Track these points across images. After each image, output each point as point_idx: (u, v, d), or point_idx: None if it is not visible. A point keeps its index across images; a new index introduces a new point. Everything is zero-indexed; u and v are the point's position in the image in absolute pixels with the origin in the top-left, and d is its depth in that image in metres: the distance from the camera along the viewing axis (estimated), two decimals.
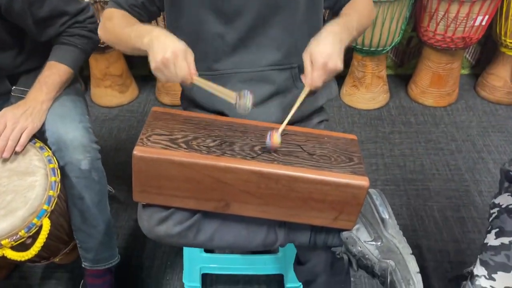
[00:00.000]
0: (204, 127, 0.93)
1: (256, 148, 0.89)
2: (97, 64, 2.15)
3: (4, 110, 1.13)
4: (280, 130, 0.89)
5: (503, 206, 1.00)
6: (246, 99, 0.86)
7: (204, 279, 1.48)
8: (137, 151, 0.83)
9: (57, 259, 1.38)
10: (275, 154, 0.88)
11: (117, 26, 0.98)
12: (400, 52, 2.43)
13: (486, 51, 2.36)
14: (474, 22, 1.92)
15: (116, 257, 1.35)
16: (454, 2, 1.87)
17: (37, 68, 1.24)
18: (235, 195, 0.87)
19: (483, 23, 1.94)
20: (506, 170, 1.09)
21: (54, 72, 1.18)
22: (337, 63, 0.88)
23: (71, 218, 1.25)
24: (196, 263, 1.41)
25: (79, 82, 1.38)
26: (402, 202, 1.76)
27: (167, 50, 0.84)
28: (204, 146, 0.87)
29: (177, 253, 1.58)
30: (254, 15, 0.98)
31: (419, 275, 0.85)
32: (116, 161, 1.94)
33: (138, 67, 2.46)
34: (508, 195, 1.03)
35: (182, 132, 0.90)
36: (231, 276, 1.50)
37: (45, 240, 1.09)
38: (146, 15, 1.05)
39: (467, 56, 2.43)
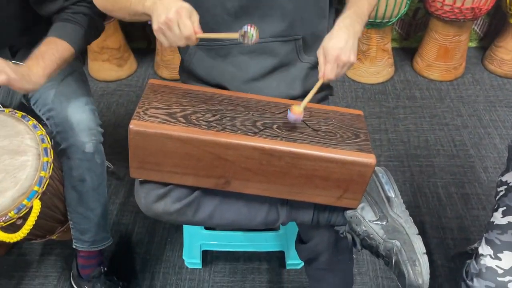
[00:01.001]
0: (203, 101, 0.89)
1: (258, 124, 0.85)
2: None
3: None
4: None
5: (511, 184, 0.97)
6: (250, 37, 0.81)
7: (204, 256, 1.47)
8: (134, 125, 0.79)
9: (55, 237, 1.36)
10: (278, 130, 0.84)
11: None
12: (406, 24, 2.36)
13: (495, 23, 2.28)
14: None
15: (109, 239, 1.33)
16: None
17: (37, 42, 1.19)
18: (236, 172, 0.83)
19: None
20: None
21: (52, 48, 1.07)
22: (350, 56, 0.86)
23: (67, 200, 1.22)
24: (196, 240, 1.39)
25: (81, 60, 1.32)
26: (405, 178, 1.73)
27: (171, 10, 0.79)
28: (203, 121, 0.83)
29: (177, 229, 1.56)
30: None
31: (426, 256, 0.82)
32: (115, 136, 1.90)
33: (136, 40, 2.40)
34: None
35: (180, 106, 0.86)
36: (231, 253, 1.49)
37: (35, 221, 1.06)
38: None
39: (475, 28, 2.35)
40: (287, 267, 1.45)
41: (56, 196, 1.19)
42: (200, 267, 1.46)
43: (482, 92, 2.13)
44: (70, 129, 1.11)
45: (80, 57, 1.29)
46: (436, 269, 1.46)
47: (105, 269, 1.35)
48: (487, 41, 2.34)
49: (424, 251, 0.83)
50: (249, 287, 1.41)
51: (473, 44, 2.41)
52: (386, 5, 1.90)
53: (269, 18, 0.98)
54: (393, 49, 2.31)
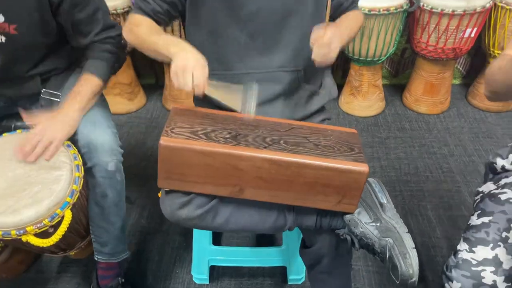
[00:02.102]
0: (220, 122, 1.04)
1: (268, 139, 0.99)
2: None
3: (42, 119, 1.19)
4: None
5: (485, 192, 1.11)
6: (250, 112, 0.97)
7: (211, 272, 1.57)
8: (163, 141, 0.94)
9: (73, 253, 1.46)
10: (285, 144, 0.98)
11: (144, 33, 1.09)
12: (395, 63, 2.56)
13: (476, 62, 2.49)
14: (464, 34, 2.06)
15: (127, 252, 1.44)
16: (444, 16, 2.00)
17: (64, 70, 1.35)
18: (249, 180, 0.97)
19: (472, 35, 2.08)
20: (489, 162, 1.21)
21: (88, 84, 1.25)
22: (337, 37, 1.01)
23: (91, 214, 1.33)
24: (204, 255, 1.50)
25: (102, 93, 1.49)
26: (397, 202, 1.87)
27: (190, 60, 0.95)
28: (221, 137, 0.97)
29: (185, 248, 1.67)
30: (267, 20, 1.09)
31: (415, 250, 0.96)
32: (126, 164, 2.03)
33: (146, 76, 2.58)
34: (491, 183, 1.14)
35: (201, 126, 1.00)
36: (236, 269, 1.59)
37: (65, 230, 1.18)
38: (168, 19, 1.16)
39: (459, 67, 2.56)
40: (289, 282, 1.56)
41: (82, 211, 1.31)
42: (208, 282, 1.56)
43: (467, 124, 2.30)
44: (94, 150, 1.24)
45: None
46: (427, 283, 1.57)
47: (123, 280, 1.45)
48: (469, 79, 2.54)
49: (413, 246, 0.96)
50: None
51: (457, 82, 2.61)
52: (376, 45, 2.10)
53: (276, 51, 1.15)
54: (384, 85, 2.50)
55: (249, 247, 1.58)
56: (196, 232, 1.47)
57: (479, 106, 2.39)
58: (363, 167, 0.95)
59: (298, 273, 1.53)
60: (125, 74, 2.32)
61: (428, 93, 2.33)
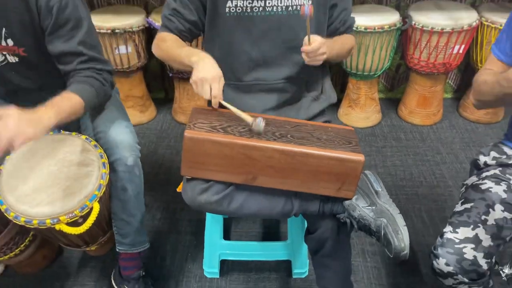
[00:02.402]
0: (234, 119, 1.18)
1: (277, 134, 1.14)
2: (121, 86, 2.42)
3: (13, 110, 1.08)
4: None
5: (469, 184, 1.26)
6: (259, 126, 1.11)
7: (221, 267, 1.69)
8: (188, 133, 1.08)
9: (94, 248, 1.59)
10: (291, 138, 1.13)
11: (170, 47, 1.26)
12: (390, 78, 2.73)
13: (466, 77, 2.66)
14: (452, 50, 2.23)
15: (147, 243, 1.57)
16: (434, 33, 2.18)
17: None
18: (260, 169, 1.11)
19: (460, 51, 2.25)
20: (474, 159, 1.36)
21: (66, 100, 1.22)
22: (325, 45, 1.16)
23: (113, 208, 1.46)
24: (216, 249, 1.62)
25: (118, 95, 1.63)
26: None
27: (209, 72, 1.11)
28: (236, 131, 1.12)
29: (196, 246, 1.80)
30: (275, 38, 1.27)
31: (406, 228, 1.09)
32: None
33: (156, 91, 2.74)
34: (474, 176, 1.28)
35: (218, 122, 1.15)
36: (244, 263, 1.72)
37: (94, 220, 1.31)
38: (190, 37, 1.33)
39: (450, 82, 2.73)
40: (294, 276, 1.68)
41: (105, 206, 1.44)
42: (218, 276, 1.68)
43: (458, 135, 2.45)
44: (115, 146, 1.37)
45: (117, 95, 1.60)
46: (422, 276, 1.69)
47: (143, 273, 1.57)
48: (460, 93, 2.71)
49: (404, 224, 1.10)
50: None
51: (449, 96, 2.77)
52: (372, 60, 2.27)
53: (283, 65, 1.31)
54: (380, 98, 2.66)
55: (256, 241, 1.71)
56: (208, 228, 1.60)
57: (470, 118, 2.55)
58: (360, 157, 1.10)
59: (302, 266, 1.65)
60: (138, 89, 2.48)
61: (422, 106, 2.48)
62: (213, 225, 1.58)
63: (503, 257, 1.69)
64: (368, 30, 2.16)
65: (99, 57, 1.35)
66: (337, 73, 2.65)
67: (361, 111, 2.49)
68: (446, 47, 2.21)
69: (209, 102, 1.17)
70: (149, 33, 2.31)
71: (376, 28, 2.15)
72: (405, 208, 1.98)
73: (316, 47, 1.13)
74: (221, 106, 1.16)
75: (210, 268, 1.66)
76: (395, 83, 2.75)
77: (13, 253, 1.54)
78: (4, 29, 1.26)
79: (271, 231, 1.87)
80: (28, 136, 1.06)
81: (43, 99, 1.28)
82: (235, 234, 1.85)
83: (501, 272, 1.65)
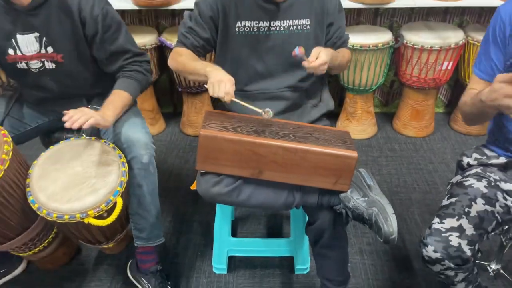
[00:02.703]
0: (243, 121, 1.34)
1: (280, 133, 1.30)
2: None
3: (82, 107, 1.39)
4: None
5: (454, 182, 1.41)
6: (269, 114, 1.30)
7: (228, 264, 1.82)
8: (203, 131, 1.24)
9: (111, 245, 1.73)
10: (293, 137, 1.29)
11: (186, 60, 1.44)
12: (385, 94, 2.91)
13: (456, 92, 2.83)
14: (442, 66, 2.41)
15: (162, 237, 1.70)
16: (424, 51, 2.36)
17: (105, 93, 1.66)
18: (266, 164, 1.27)
19: (449, 67, 2.43)
20: (458, 161, 1.51)
21: (118, 96, 1.54)
22: (327, 55, 1.32)
23: (130, 204, 1.60)
24: (224, 246, 1.76)
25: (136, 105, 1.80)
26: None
27: (222, 76, 1.29)
28: (245, 131, 1.28)
29: (205, 246, 1.93)
30: (279, 53, 1.45)
31: (394, 215, 1.24)
32: None
33: (165, 105, 2.91)
34: (459, 175, 1.43)
35: (229, 123, 1.31)
36: (250, 260, 1.85)
37: (118, 213, 1.45)
38: (203, 52, 1.51)
39: (441, 97, 2.90)
40: (296, 272, 1.81)
41: (124, 204, 1.58)
42: (226, 272, 1.81)
43: (449, 146, 2.61)
44: (132, 145, 1.52)
45: (135, 101, 1.77)
46: (415, 271, 1.82)
47: (160, 267, 1.70)
48: (451, 107, 2.88)
49: (393, 212, 1.25)
50: (266, 284, 1.76)
51: (440, 110, 2.94)
52: (367, 76, 2.45)
53: (285, 76, 1.48)
54: (376, 113, 2.83)
55: (262, 238, 1.84)
56: (217, 225, 1.74)
57: (460, 130, 2.71)
58: (353, 153, 1.25)
59: (304, 263, 1.78)
60: (148, 102, 2.65)
61: (415, 119, 2.65)
62: (222, 223, 1.72)
63: (490, 254, 1.83)
64: (363, 48, 2.34)
65: (139, 52, 1.58)
66: (335, 88, 2.82)
67: (358, 124, 2.66)
68: (435, 64, 2.39)
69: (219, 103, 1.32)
70: (160, 51, 2.50)
71: (371, 46, 2.34)
72: (399, 211, 2.12)
73: (319, 62, 1.30)
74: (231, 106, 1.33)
75: (219, 264, 1.79)
76: (389, 98, 2.92)
77: (37, 248, 1.67)
78: (45, 37, 1.44)
79: (275, 230, 2.01)
80: (97, 119, 1.35)
81: (73, 105, 1.47)
82: (242, 233, 1.99)
83: (488, 267, 1.78)
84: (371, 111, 2.67)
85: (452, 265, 1.23)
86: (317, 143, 1.27)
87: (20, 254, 1.66)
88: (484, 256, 1.85)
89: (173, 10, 2.56)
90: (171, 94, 2.89)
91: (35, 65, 1.52)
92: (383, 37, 2.40)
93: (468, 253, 1.22)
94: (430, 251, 1.23)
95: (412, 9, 2.61)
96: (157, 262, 1.71)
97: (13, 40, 1.47)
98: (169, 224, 2.06)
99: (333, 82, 2.78)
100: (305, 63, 1.30)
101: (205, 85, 1.32)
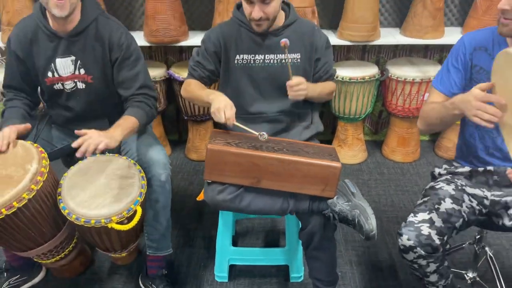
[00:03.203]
0: (243, 138, 1.57)
1: (275, 148, 1.52)
2: None
3: (92, 130, 1.53)
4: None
5: (427, 187, 1.62)
6: (264, 136, 1.52)
7: (229, 273, 2.00)
8: (210, 146, 1.46)
9: (124, 254, 1.92)
10: (287, 151, 1.51)
11: (194, 89, 1.69)
12: (375, 123, 3.15)
13: None
14: (423, 97, 2.66)
15: (170, 249, 1.89)
16: (407, 83, 2.62)
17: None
18: (264, 174, 1.48)
19: None
20: (431, 172, 1.73)
21: (128, 120, 1.65)
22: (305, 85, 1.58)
23: (146, 216, 1.79)
24: (226, 255, 1.94)
25: (151, 127, 2.02)
26: (376, 224, 2.33)
27: (223, 103, 1.52)
28: (245, 146, 1.50)
29: (208, 258, 2.11)
30: (272, 83, 1.70)
31: (373, 215, 1.45)
32: None
33: (171, 133, 3.15)
34: (432, 183, 1.65)
35: (231, 139, 1.54)
36: (249, 270, 2.03)
37: (138, 220, 1.64)
38: (209, 82, 1.76)
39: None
40: (291, 280, 1.98)
41: (142, 212, 1.78)
42: (227, 280, 1.99)
43: None
44: (152, 165, 1.73)
45: (151, 128, 1.99)
46: (400, 281, 2.00)
47: (166, 272, 1.88)
48: (435, 135, 3.11)
49: (372, 212, 1.45)
50: None
51: (426, 138, 3.17)
52: (356, 105, 2.69)
53: (278, 102, 1.72)
54: (366, 140, 3.07)
55: (259, 248, 2.02)
56: (219, 236, 1.93)
57: (444, 156, 2.94)
58: (338, 164, 1.47)
59: (298, 271, 1.96)
60: (156, 130, 2.88)
61: (401, 145, 2.88)
62: (224, 234, 1.91)
63: (466, 264, 2.01)
64: (352, 80, 2.60)
65: (150, 85, 1.78)
66: (328, 116, 3.07)
67: (349, 150, 2.88)
68: (417, 95, 2.64)
69: (223, 126, 1.56)
70: (169, 83, 2.76)
71: (359, 78, 2.59)
72: (386, 228, 2.31)
73: (296, 82, 1.55)
74: (233, 128, 1.56)
75: (221, 273, 1.97)
76: (378, 127, 3.16)
77: (59, 256, 1.85)
78: (79, 61, 1.69)
79: (272, 241, 2.20)
80: (106, 143, 1.47)
81: (96, 127, 1.67)
82: (242, 242, 2.18)
83: (465, 276, 1.96)
84: (361, 138, 2.90)
85: (423, 253, 1.42)
86: (306, 156, 1.49)
87: (44, 261, 1.84)
88: (461, 266, 2.03)
89: (181, 47, 2.84)
90: (177, 123, 3.13)
91: (69, 85, 1.75)
92: (370, 71, 2.66)
93: (437, 241, 1.42)
94: (404, 240, 1.43)
95: (396, 46, 2.89)
96: (162, 267, 1.88)
97: (52, 64, 1.70)
98: (175, 238, 2.25)
99: (326, 111, 3.03)
100: (288, 82, 1.58)
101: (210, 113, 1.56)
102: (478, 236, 1.89)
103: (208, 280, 2.00)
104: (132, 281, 1.98)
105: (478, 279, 1.93)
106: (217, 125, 2.87)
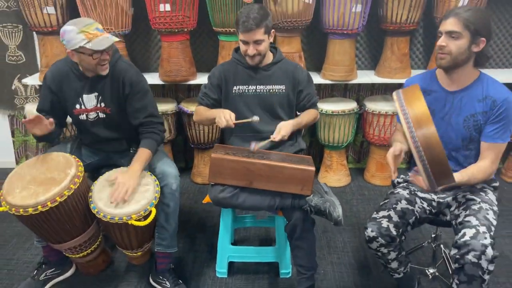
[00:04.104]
0: (239, 150, 2.00)
1: (264, 157, 1.96)
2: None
3: (116, 174, 2.05)
4: (258, 146, 1.99)
5: (388, 193, 2.03)
6: (252, 147, 1.98)
7: (228, 269, 2.36)
8: (213, 155, 1.90)
9: (139, 253, 2.30)
10: (272, 159, 1.94)
11: (202, 113, 2.17)
12: (357, 152, 3.59)
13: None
14: (396, 128, 3.10)
15: (176, 248, 2.26)
16: (381, 116, 3.08)
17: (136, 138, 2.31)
18: (255, 177, 1.91)
19: None
20: (392, 181, 2.15)
21: (143, 153, 2.09)
22: (286, 130, 2.03)
23: (158, 218, 2.19)
24: (226, 252, 2.32)
25: (164, 149, 2.47)
26: (356, 235, 2.72)
27: (225, 112, 1.99)
28: (241, 155, 1.94)
29: (209, 259, 2.47)
30: (262, 108, 2.15)
31: (340, 206, 1.87)
32: None
33: (179, 161, 3.58)
34: (392, 189, 2.06)
35: (230, 151, 1.97)
36: (245, 267, 2.39)
37: (152, 218, 2.04)
38: (214, 107, 2.21)
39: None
40: (281, 276, 2.34)
41: (156, 214, 2.18)
42: (226, 276, 2.35)
43: None
44: (166, 176, 2.15)
45: (163, 146, 2.43)
46: (374, 278, 2.36)
47: (173, 266, 2.25)
48: (411, 164, 3.53)
49: (339, 204, 1.87)
50: (257, 286, 2.28)
51: (403, 166, 3.59)
52: (339, 135, 3.14)
53: (270, 123, 2.16)
54: (350, 168, 3.49)
55: (253, 246, 2.40)
56: (220, 236, 2.31)
57: None
58: (312, 168, 1.90)
59: (286, 267, 2.33)
60: None
61: (380, 170, 3.30)
62: (224, 234, 2.30)
63: (428, 261, 2.37)
64: (334, 113, 3.06)
65: (156, 113, 2.21)
66: (316, 147, 3.51)
67: (334, 174, 3.30)
68: (390, 125, 3.09)
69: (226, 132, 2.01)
70: (178, 116, 3.23)
71: (340, 111, 3.06)
72: (364, 237, 2.68)
73: (278, 136, 2.02)
74: (231, 141, 2.00)
75: (221, 269, 2.34)
76: (361, 156, 3.60)
77: (86, 251, 2.23)
78: (101, 96, 2.14)
79: (265, 243, 2.58)
80: (132, 185, 1.98)
81: (116, 146, 2.16)
82: (240, 241, 2.57)
83: (426, 271, 2.32)
84: (345, 164, 3.33)
85: (384, 241, 1.81)
86: (288, 163, 1.92)
87: (74, 256, 2.22)
88: (423, 262, 2.40)
89: (189, 85, 3.34)
90: (184, 152, 3.58)
91: (92, 115, 2.19)
92: (349, 105, 3.13)
93: (394, 233, 1.81)
94: (369, 232, 1.83)
95: (373, 85, 3.38)
96: (169, 262, 2.25)
97: (80, 98, 2.15)
98: (182, 245, 2.62)
99: (314, 141, 3.47)
100: (271, 138, 2.03)
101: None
102: (434, 235, 2.28)
103: (210, 276, 2.37)
104: (145, 278, 2.34)
105: (437, 273, 2.30)
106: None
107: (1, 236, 2.73)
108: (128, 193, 1.98)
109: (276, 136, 2.00)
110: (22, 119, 3.17)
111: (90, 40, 1.92)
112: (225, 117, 1.95)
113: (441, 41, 1.78)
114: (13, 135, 3.54)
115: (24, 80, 3.15)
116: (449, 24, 1.75)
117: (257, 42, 2.01)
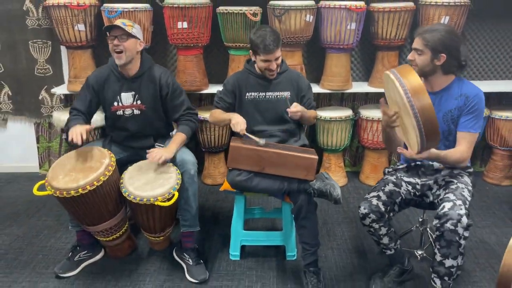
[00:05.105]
0: (251, 143, 2.34)
1: (274, 147, 2.29)
2: None
3: (156, 148, 2.49)
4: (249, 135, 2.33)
5: (379, 179, 2.36)
6: (263, 142, 2.31)
7: (240, 252, 2.65)
8: (232, 144, 2.24)
9: (161, 238, 2.60)
10: (282, 148, 2.27)
11: (218, 115, 2.51)
12: (353, 157, 3.93)
13: None
14: None
15: (198, 227, 2.56)
16: (374, 122, 3.43)
17: (165, 135, 2.66)
18: (267, 163, 2.24)
19: None
20: (384, 169, 2.48)
21: (180, 137, 2.50)
22: (299, 107, 2.38)
23: (180, 203, 2.49)
24: (238, 237, 2.62)
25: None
26: (353, 227, 3.03)
27: (239, 119, 2.34)
28: (254, 145, 2.27)
29: (223, 245, 2.77)
30: (271, 111, 2.49)
31: (339, 187, 2.19)
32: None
33: None
34: (383, 177, 2.39)
35: (245, 141, 2.31)
36: (255, 250, 2.69)
37: (175, 200, 2.36)
38: (228, 110, 2.55)
39: (394, 158, 3.91)
40: (287, 258, 2.64)
41: (175, 205, 2.48)
42: (239, 258, 2.65)
43: None
44: (185, 163, 2.47)
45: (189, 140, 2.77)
46: (367, 260, 2.66)
47: (197, 246, 2.55)
48: None
49: (338, 186, 2.20)
50: (266, 267, 2.58)
51: None
52: (336, 139, 3.48)
53: (277, 124, 2.50)
54: (347, 171, 3.82)
55: (263, 231, 2.71)
56: (234, 222, 2.62)
57: None
58: (315, 156, 2.24)
59: (292, 250, 2.63)
60: None
61: (373, 172, 3.63)
62: (237, 220, 2.61)
63: (416, 244, 2.68)
64: (332, 119, 3.41)
65: (192, 107, 2.61)
66: (316, 151, 3.83)
67: (333, 176, 3.62)
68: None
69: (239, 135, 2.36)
70: None
71: (337, 118, 3.41)
72: (360, 228, 3.00)
73: (293, 109, 2.35)
74: (244, 137, 2.34)
75: (234, 251, 2.64)
76: (356, 160, 3.94)
77: (115, 235, 2.53)
78: (137, 95, 2.49)
79: (272, 228, 2.89)
80: (166, 156, 2.36)
81: (144, 142, 2.53)
82: (251, 226, 2.88)
83: (415, 252, 2.63)
84: (342, 166, 3.67)
85: (374, 217, 2.13)
86: (295, 152, 2.26)
87: (104, 239, 2.52)
88: (413, 245, 2.71)
89: (201, 94, 3.69)
90: (195, 156, 3.88)
91: (127, 111, 2.54)
92: (345, 113, 3.49)
93: (382, 209, 2.13)
94: (362, 209, 2.15)
95: (367, 95, 3.75)
96: (194, 242, 2.56)
97: (118, 96, 2.51)
98: (199, 235, 2.92)
99: (314, 146, 3.80)
100: (288, 109, 2.36)
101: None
102: (421, 220, 2.60)
103: (225, 259, 2.66)
104: (166, 260, 2.63)
105: (425, 254, 2.60)
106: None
107: (33, 228, 3.02)
108: (162, 159, 2.35)
109: (292, 109, 2.35)
110: (63, 136, 3.72)
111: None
112: (240, 125, 2.32)
113: (410, 55, 2.17)
114: (38, 141, 3.86)
115: (53, 90, 3.50)
116: (415, 43, 2.13)
117: (277, 59, 2.40)
